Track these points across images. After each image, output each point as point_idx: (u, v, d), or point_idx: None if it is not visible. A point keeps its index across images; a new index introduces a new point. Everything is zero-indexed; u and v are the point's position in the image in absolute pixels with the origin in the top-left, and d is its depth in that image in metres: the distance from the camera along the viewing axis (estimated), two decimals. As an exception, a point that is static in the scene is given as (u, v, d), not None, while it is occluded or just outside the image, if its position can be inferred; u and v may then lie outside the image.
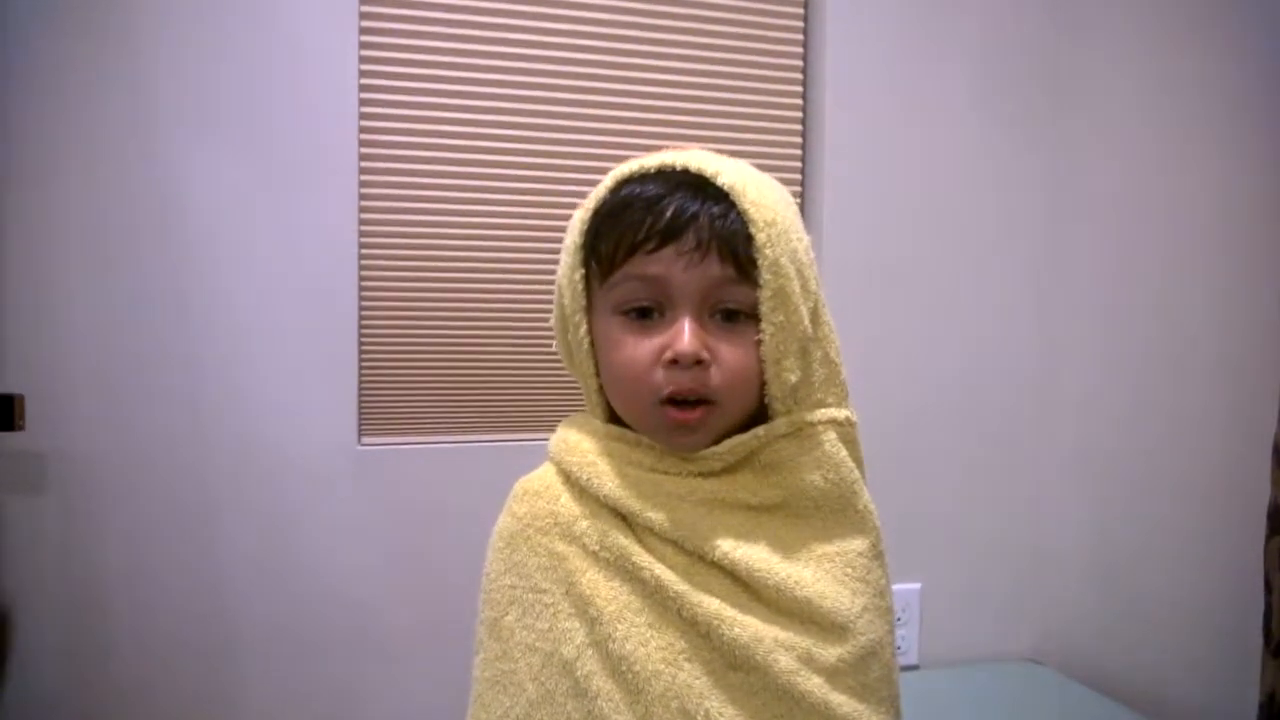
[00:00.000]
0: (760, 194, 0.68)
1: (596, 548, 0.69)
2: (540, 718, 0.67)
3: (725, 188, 0.67)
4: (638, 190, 0.69)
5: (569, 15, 1.41)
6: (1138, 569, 1.45)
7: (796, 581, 0.68)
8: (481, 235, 1.39)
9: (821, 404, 0.73)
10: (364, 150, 1.34)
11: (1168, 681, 1.40)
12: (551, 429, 0.78)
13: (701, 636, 0.67)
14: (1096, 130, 1.53)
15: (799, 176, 1.53)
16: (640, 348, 0.68)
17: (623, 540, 0.69)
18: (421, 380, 1.39)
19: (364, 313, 1.35)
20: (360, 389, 1.36)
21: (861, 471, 0.74)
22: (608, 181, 0.72)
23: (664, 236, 0.67)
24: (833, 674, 0.68)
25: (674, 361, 0.67)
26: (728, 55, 1.48)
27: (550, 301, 0.77)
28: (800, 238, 0.71)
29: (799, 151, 1.53)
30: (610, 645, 0.66)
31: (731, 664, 0.66)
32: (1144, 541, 1.44)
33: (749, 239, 0.67)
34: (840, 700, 0.67)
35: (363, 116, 1.33)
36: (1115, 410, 1.50)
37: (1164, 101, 1.43)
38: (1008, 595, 1.60)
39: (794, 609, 0.68)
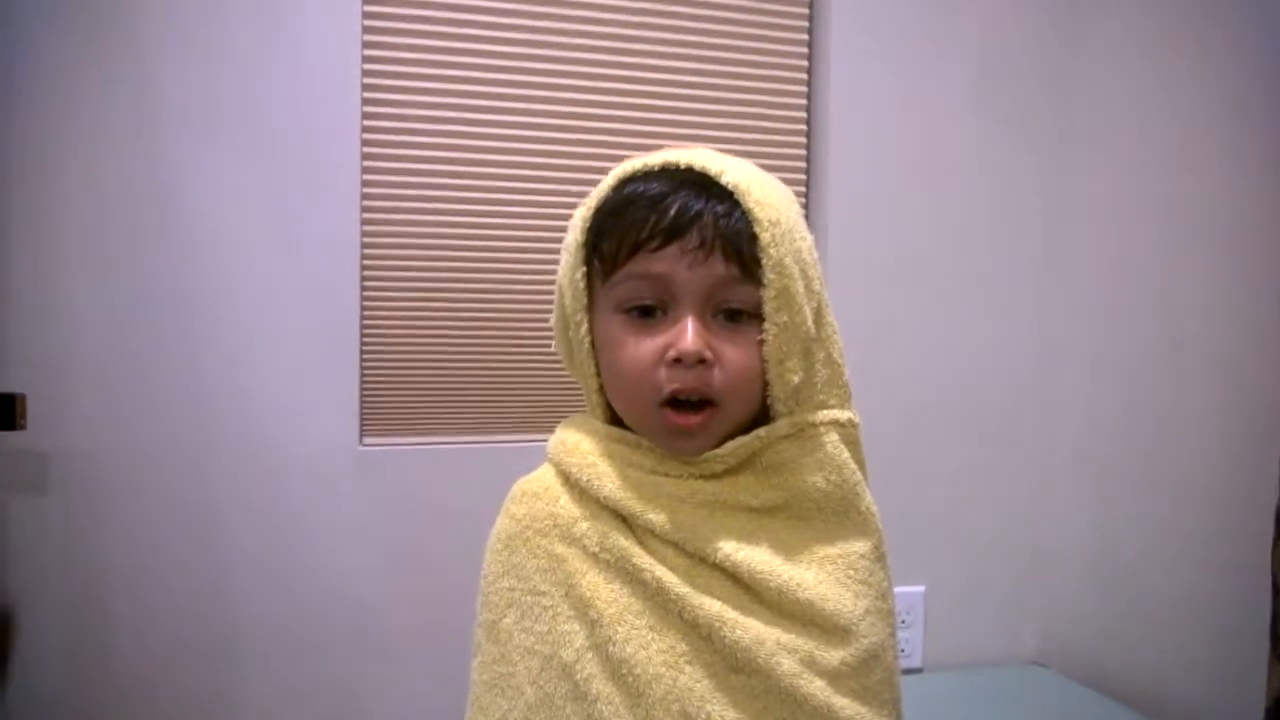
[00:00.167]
0: (765, 193, 0.68)
1: (597, 550, 0.69)
2: (539, 721, 0.66)
3: (730, 187, 0.67)
4: (641, 188, 0.68)
5: (572, 16, 1.40)
6: (1138, 569, 1.45)
7: (799, 584, 0.68)
8: (483, 236, 1.39)
9: (824, 405, 0.72)
10: (366, 151, 1.34)
11: (1168, 681, 1.39)
12: (552, 429, 0.77)
13: (703, 639, 0.66)
14: (1096, 130, 1.53)
15: (803, 176, 1.52)
16: (642, 347, 0.68)
17: (623, 542, 0.68)
18: (423, 381, 1.39)
19: (366, 313, 1.35)
20: (362, 389, 1.36)
21: (864, 473, 0.74)
22: (610, 180, 0.71)
23: (668, 235, 0.66)
24: (835, 677, 0.67)
25: (677, 360, 0.66)
26: (732, 55, 1.48)
27: (551, 302, 0.76)
28: (804, 237, 0.70)
29: (803, 151, 1.52)
30: (611, 648, 0.66)
31: (733, 667, 0.66)
32: (1144, 542, 1.44)
33: (753, 238, 0.66)
34: (843, 703, 0.67)
35: (365, 117, 1.33)
36: (1115, 410, 1.50)
37: (1163, 101, 1.43)
38: (1009, 596, 1.60)
39: (796, 611, 0.68)
